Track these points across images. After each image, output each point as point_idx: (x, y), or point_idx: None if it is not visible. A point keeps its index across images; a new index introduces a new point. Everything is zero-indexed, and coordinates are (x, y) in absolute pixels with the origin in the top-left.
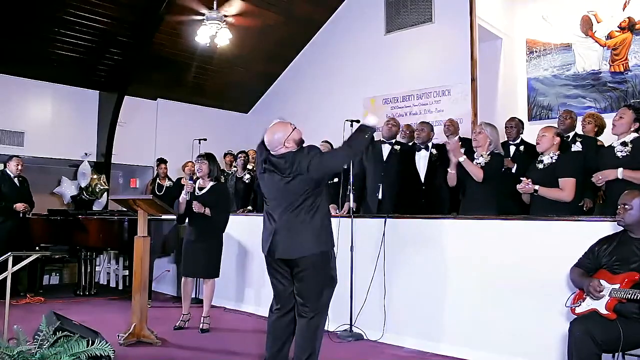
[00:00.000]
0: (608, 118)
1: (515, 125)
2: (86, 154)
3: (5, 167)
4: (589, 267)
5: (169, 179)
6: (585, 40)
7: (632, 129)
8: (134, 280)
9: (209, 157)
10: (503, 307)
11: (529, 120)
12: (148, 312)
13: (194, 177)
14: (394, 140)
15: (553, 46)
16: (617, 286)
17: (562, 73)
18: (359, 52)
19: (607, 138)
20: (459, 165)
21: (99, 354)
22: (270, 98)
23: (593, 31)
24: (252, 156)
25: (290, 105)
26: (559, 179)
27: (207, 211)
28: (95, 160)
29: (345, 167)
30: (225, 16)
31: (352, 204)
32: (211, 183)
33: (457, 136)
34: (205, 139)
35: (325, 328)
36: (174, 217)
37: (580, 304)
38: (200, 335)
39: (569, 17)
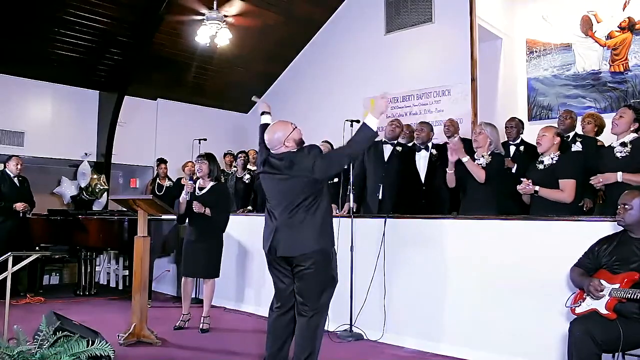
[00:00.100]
0: (608, 118)
1: (515, 126)
2: (86, 154)
3: (4, 167)
4: (589, 267)
5: (169, 179)
6: (585, 40)
7: (631, 129)
8: (134, 280)
9: (209, 157)
10: (503, 307)
11: (529, 120)
12: (148, 312)
13: (194, 177)
14: (396, 142)
15: (553, 46)
16: (617, 286)
17: (562, 73)
18: (359, 52)
19: (606, 138)
20: (458, 166)
21: (99, 354)
22: (270, 98)
23: (593, 31)
24: (252, 156)
25: (290, 105)
26: (559, 180)
27: (207, 211)
28: (95, 160)
29: (346, 167)
30: (225, 16)
31: (352, 204)
32: (211, 183)
33: (458, 136)
34: (205, 139)
35: (325, 328)
36: (174, 217)
37: (580, 304)
38: (200, 335)
39: (569, 17)
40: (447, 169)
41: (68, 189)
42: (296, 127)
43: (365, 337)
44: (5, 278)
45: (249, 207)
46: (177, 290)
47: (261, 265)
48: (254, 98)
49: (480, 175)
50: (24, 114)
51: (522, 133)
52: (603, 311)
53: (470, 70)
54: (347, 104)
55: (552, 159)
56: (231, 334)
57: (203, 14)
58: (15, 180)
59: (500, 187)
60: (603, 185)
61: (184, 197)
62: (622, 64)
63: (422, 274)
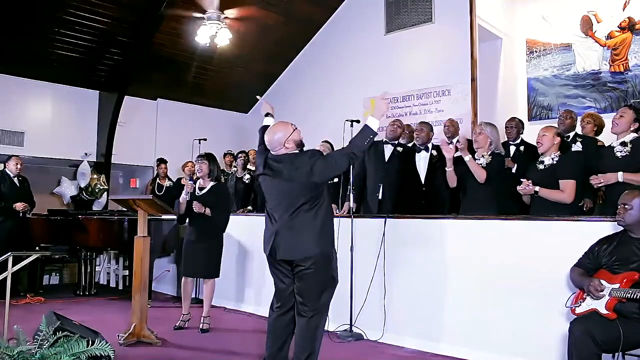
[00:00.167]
0: (608, 118)
1: (515, 126)
2: (86, 154)
3: (4, 167)
4: (589, 267)
5: (169, 179)
6: (585, 40)
7: (631, 129)
8: (134, 280)
9: (209, 157)
10: (503, 307)
11: (529, 120)
12: (148, 312)
13: (194, 177)
14: (396, 142)
15: (553, 46)
16: (616, 286)
17: (562, 73)
18: (359, 52)
19: (606, 138)
20: (458, 165)
21: (99, 354)
22: (270, 98)
23: (593, 31)
24: (252, 156)
25: (290, 105)
26: (560, 181)
27: (208, 211)
28: (95, 160)
29: (345, 169)
30: (226, 16)
31: (352, 204)
32: (211, 183)
33: (458, 137)
34: (205, 139)
35: (325, 328)
36: (174, 217)
37: (580, 304)
38: (200, 335)
39: (569, 17)
40: (446, 167)
41: (68, 189)
42: (296, 129)
43: (365, 337)
44: (5, 278)
45: (249, 207)
46: (177, 290)
47: (261, 265)
48: (258, 97)
49: (480, 175)
50: (24, 114)
51: (522, 133)
52: (603, 311)
53: (470, 70)
54: (347, 104)
55: (552, 159)
56: (231, 334)
57: (203, 14)
58: (15, 180)
59: (500, 187)
60: (603, 185)
61: (184, 197)
62: (622, 64)
63: (422, 274)
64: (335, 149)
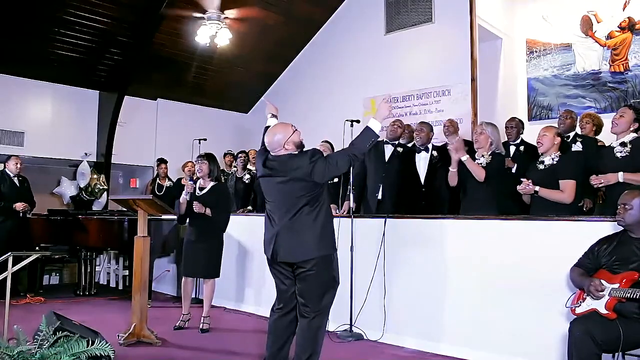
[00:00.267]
0: (608, 118)
1: (515, 126)
2: (86, 154)
3: (4, 167)
4: (589, 267)
5: (169, 179)
6: (585, 40)
7: (631, 129)
8: (134, 280)
9: (209, 157)
10: (503, 307)
11: (529, 120)
12: (148, 312)
13: (194, 178)
14: (397, 142)
15: (553, 46)
16: (616, 286)
17: (562, 73)
18: (359, 52)
19: (606, 138)
20: (460, 165)
21: (99, 354)
22: (270, 98)
23: (593, 31)
24: (252, 156)
25: (290, 105)
26: (560, 181)
27: (208, 211)
28: (95, 160)
29: (345, 170)
30: (225, 16)
31: (352, 203)
32: (211, 183)
33: (459, 137)
34: (205, 139)
35: (326, 328)
36: (174, 217)
37: (580, 304)
38: (200, 335)
39: (569, 17)
40: (450, 168)
41: (68, 189)
42: (296, 130)
43: (365, 337)
44: (5, 278)
45: (249, 207)
46: (177, 290)
47: (261, 265)
48: (264, 99)
49: (479, 174)
50: (24, 114)
51: (522, 133)
52: (603, 311)
53: (470, 70)
54: (347, 104)
55: (552, 159)
56: (231, 334)
57: (203, 14)
58: (15, 180)
59: (501, 187)
60: (603, 186)
61: (184, 197)
62: (622, 64)
63: (422, 274)
64: (335, 149)
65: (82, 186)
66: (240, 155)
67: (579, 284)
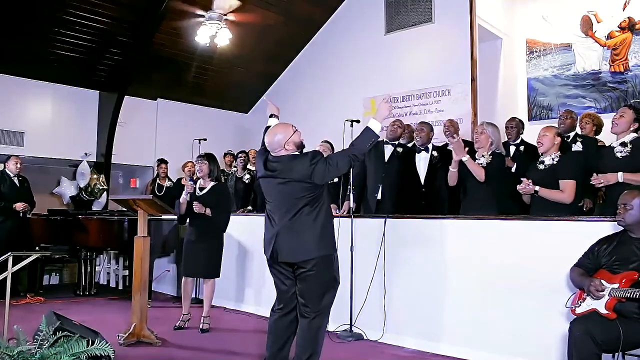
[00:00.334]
0: (608, 118)
1: (515, 126)
2: (86, 154)
3: (4, 167)
4: (589, 267)
5: (169, 179)
6: (585, 40)
7: (631, 129)
8: (134, 280)
9: (209, 157)
10: (503, 307)
11: (529, 120)
12: (148, 312)
13: (194, 178)
14: (397, 142)
15: (553, 46)
16: (616, 285)
17: (562, 73)
18: (359, 52)
19: (606, 138)
20: (461, 165)
21: (99, 354)
22: (270, 98)
23: (593, 31)
24: (252, 156)
25: (290, 105)
26: (560, 181)
27: (208, 211)
28: (95, 160)
29: (345, 171)
30: (225, 16)
31: (352, 203)
32: (212, 183)
33: (458, 137)
34: (205, 139)
35: (326, 328)
36: (174, 217)
37: (580, 305)
38: (200, 335)
39: (569, 17)
40: (450, 167)
41: (67, 189)
42: (297, 130)
43: (365, 337)
44: (5, 278)
45: (249, 207)
46: (177, 290)
47: (261, 265)
48: (265, 99)
49: (480, 174)
50: (24, 114)
51: (522, 133)
52: (603, 311)
53: (470, 70)
54: (347, 104)
55: (552, 159)
56: (231, 334)
57: (203, 14)
58: (15, 180)
59: (501, 186)
60: (603, 186)
61: (184, 197)
62: (622, 64)
63: (422, 274)
64: (335, 149)
65: (81, 186)
66: (240, 155)
67: (579, 284)
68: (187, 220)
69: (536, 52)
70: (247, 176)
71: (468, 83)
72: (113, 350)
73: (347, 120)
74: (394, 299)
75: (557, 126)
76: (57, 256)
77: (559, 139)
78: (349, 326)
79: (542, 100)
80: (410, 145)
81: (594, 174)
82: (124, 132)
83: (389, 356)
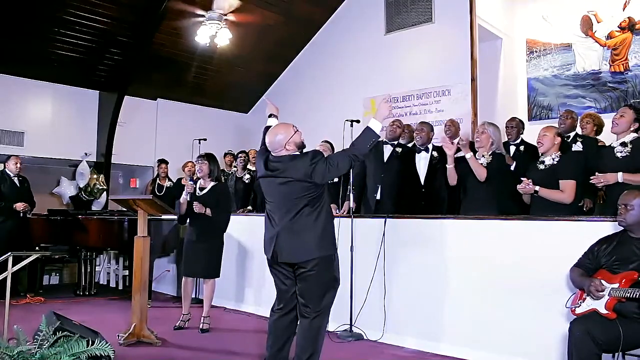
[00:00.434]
0: (608, 118)
1: (515, 126)
2: (86, 154)
3: (4, 167)
4: (589, 267)
5: (169, 179)
6: (586, 40)
7: (631, 129)
8: (134, 280)
9: (210, 158)
10: (503, 307)
11: (529, 120)
12: (148, 312)
13: (195, 178)
14: (396, 142)
15: (553, 46)
16: (616, 285)
17: (562, 73)
18: (359, 52)
19: (606, 138)
20: (460, 164)
21: (99, 354)
22: (270, 98)
23: (593, 31)
24: (252, 156)
25: (290, 105)
26: (560, 181)
27: (208, 211)
28: (95, 160)
29: (345, 171)
30: (225, 16)
31: (352, 203)
32: (212, 183)
33: (459, 137)
34: (205, 139)
35: (326, 328)
36: (174, 217)
37: (580, 305)
38: (200, 335)
39: (569, 17)
40: (447, 164)
41: (67, 189)
42: (298, 130)
43: (365, 337)
44: (5, 278)
45: (249, 207)
46: (177, 290)
47: (261, 265)
48: (265, 98)
49: (481, 173)
50: (24, 114)
51: (522, 133)
52: (603, 311)
53: (470, 70)
54: (347, 104)
55: (553, 159)
56: (231, 334)
57: (203, 14)
58: (16, 180)
59: (501, 186)
60: (603, 185)
61: (184, 197)
62: (622, 64)
63: (422, 274)
64: (335, 149)
65: (81, 186)
66: (240, 155)
67: (579, 284)
68: (188, 221)
69: (536, 52)
70: (247, 176)
71: (468, 83)
72: (113, 350)
73: (347, 120)
74: (394, 299)
75: (557, 126)
76: (57, 256)
77: (559, 139)
78: (349, 326)
79: (542, 100)
80: (410, 145)
81: (596, 173)
82: (124, 132)
83: (389, 356)
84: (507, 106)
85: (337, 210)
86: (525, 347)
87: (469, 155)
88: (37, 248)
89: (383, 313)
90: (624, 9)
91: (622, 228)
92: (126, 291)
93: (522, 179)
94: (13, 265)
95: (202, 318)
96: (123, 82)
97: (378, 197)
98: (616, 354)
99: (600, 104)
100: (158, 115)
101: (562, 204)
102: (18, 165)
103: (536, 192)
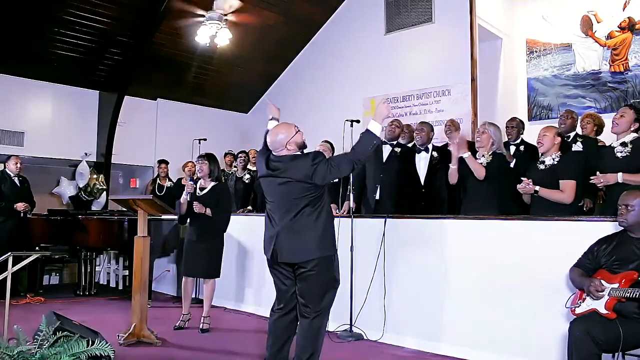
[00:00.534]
0: (608, 118)
1: (516, 126)
2: (86, 154)
3: (4, 167)
4: (589, 267)
5: (170, 179)
6: (585, 40)
7: (632, 129)
8: (134, 280)
9: (210, 158)
10: (503, 307)
11: (529, 120)
12: (148, 312)
13: (195, 178)
14: (395, 142)
15: (553, 46)
16: (616, 285)
17: (562, 73)
18: (359, 52)
19: (607, 138)
20: (461, 163)
21: (99, 354)
22: (271, 98)
23: (593, 31)
24: (252, 156)
25: (290, 105)
26: (560, 181)
27: (208, 211)
28: (95, 160)
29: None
30: (225, 16)
31: (352, 203)
32: (212, 183)
33: (460, 133)
34: (205, 139)
35: (326, 328)
36: (174, 217)
37: (580, 305)
38: (200, 335)
39: (569, 17)
40: (450, 165)
41: (67, 189)
42: (299, 131)
43: (365, 337)
44: (5, 278)
45: (249, 207)
46: (177, 290)
47: (261, 265)
48: (266, 99)
49: (480, 172)
50: (24, 114)
51: (522, 133)
52: (602, 311)
53: (470, 70)
54: (347, 104)
55: (553, 159)
56: (231, 334)
57: (203, 14)
58: (16, 180)
59: (501, 186)
60: (603, 185)
61: (184, 197)
62: (622, 64)
63: (422, 274)
64: (335, 149)
65: (80, 186)
66: (240, 155)
67: (579, 284)
68: (188, 221)
69: (536, 52)
70: (247, 176)
71: (468, 83)
72: (113, 350)
73: (347, 120)
74: (394, 299)
75: (557, 126)
76: (57, 256)
77: (559, 139)
78: (349, 326)
79: (542, 100)
80: (410, 145)
81: (597, 173)
82: (124, 132)
83: (389, 356)
84: (507, 106)
85: (337, 210)
86: (525, 347)
87: (466, 154)
88: (37, 248)
89: (383, 313)
90: (624, 9)
91: (622, 228)
92: (126, 291)
93: (522, 178)
94: (13, 265)
95: (202, 318)
96: (123, 82)
97: (377, 197)
98: (616, 354)
99: (600, 104)
100: (158, 115)
101: (562, 204)
102: (18, 165)
103: (536, 192)
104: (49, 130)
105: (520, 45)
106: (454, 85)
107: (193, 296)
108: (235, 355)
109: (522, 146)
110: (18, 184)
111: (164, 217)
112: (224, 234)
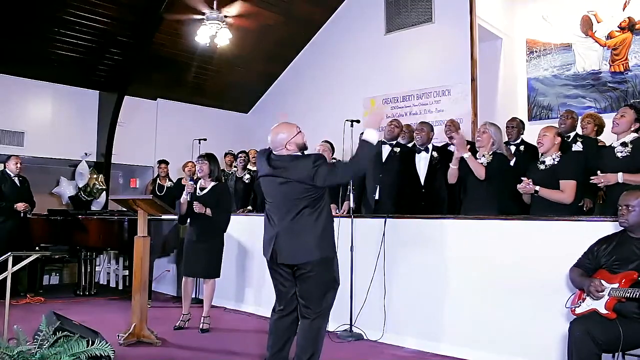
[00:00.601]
0: (608, 118)
1: (516, 126)
2: (86, 154)
3: (4, 167)
4: (589, 267)
5: (170, 179)
6: (585, 40)
7: (632, 129)
8: (134, 280)
9: (210, 158)
10: (503, 307)
11: (529, 120)
12: (148, 312)
13: (195, 178)
14: (394, 142)
15: (553, 46)
16: (616, 285)
17: (562, 73)
18: (359, 52)
19: (607, 138)
20: (461, 163)
21: (99, 354)
22: (270, 98)
23: (593, 31)
24: (252, 156)
25: (290, 105)
26: (560, 181)
27: (208, 211)
28: (95, 160)
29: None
30: (225, 16)
31: (352, 203)
32: (212, 183)
33: (461, 132)
34: (205, 139)
35: (326, 329)
36: (174, 217)
37: (580, 305)
38: (200, 335)
39: (569, 17)
40: (450, 164)
41: (66, 189)
42: (301, 131)
43: (365, 337)
44: (5, 278)
45: (249, 207)
46: (177, 290)
47: (261, 265)
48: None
49: (480, 172)
50: (24, 114)
51: (522, 133)
52: (602, 311)
53: (470, 70)
54: (347, 104)
55: (553, 159)
56: (231, 334)
57: (203, 14)
58: (16, 180)
59: (501, 186)
60: (604, 185)
61: (184, 197)
62: (622, 64)
63: (422, 274)
64: (335, 149)
65: (80, 186)
66: (240, 155)
67: (579, 284)
68: (188, 221)
69: (536, 52)
70: (247, 176)
71: (468, 83)
72: (113, 350)
73: (347, 120)
74: (394, 299)
75: (557, 126)
76: (57, 256)
77: (559, 139)
78: (349, 326)
79: (542, 100)
80: (410, 145)
81: (598, 172)
82: (124, 132)
83: (389, 356)
84: (507, 106)
85: (337, 211)
86: (525, 347)
87: (466, 155)
88: (37, 248)
89: (383, 313)
90: (624, 9)
91: (622, 228)
92: (126, 291)
93: (522, 178)
94: (13, 265)
95: (202, 318)
96: (123, 82)
97: (377, 197)
98: (616, 354)
99: (600, 104)
100: (158, 115)
101: (562, 204)
102: (18, 165)
103: (536, 192)
104: (49, 130)
105: (520, 45)
106: (454, 85)
107: (193, 296)
108: (235, 355)
109: (522, 146)
110: (18, 184)
111: (164, 217)
112: (224, 234)
